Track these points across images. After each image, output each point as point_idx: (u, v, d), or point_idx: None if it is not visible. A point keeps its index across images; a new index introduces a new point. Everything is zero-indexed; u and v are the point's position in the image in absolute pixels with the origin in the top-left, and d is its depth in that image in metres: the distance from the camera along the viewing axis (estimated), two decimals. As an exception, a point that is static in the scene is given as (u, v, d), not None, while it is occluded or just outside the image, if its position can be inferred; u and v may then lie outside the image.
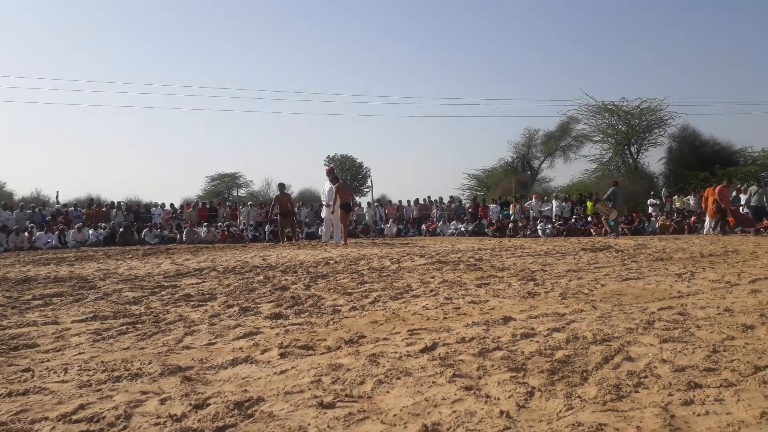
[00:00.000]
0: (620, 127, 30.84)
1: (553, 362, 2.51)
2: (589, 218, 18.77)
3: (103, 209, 21.62)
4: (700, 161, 26.94)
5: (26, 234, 17.61)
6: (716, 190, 14.72)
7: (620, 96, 35.26)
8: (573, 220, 18.83)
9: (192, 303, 4.45)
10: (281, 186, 15.39)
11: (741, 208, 15.74)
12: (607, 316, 3.56)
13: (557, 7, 56.91)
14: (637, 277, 5.51)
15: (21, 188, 35.57)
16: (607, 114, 30.78)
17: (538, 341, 2.91)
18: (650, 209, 19.84)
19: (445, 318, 3.62)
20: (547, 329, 3.18)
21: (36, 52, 56.84)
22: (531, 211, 20.21)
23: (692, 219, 17.11)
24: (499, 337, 3.01)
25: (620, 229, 16.39)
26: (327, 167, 14.66)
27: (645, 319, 3.41)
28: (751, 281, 4.99)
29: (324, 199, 14.56)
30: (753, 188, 15.74)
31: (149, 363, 2.65)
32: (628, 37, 54.66)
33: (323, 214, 15.15)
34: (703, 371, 2.35)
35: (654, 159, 38.16)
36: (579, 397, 2.07)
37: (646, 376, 2.31)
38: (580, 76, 54.91)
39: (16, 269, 8.13)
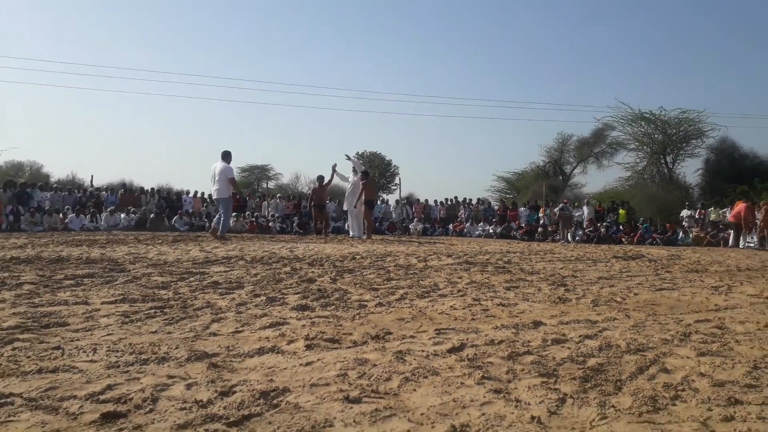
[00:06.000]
0: (656, 136, 30.27)
1: (585, 369, 2.43)
2: (621, 226, 18.46)
3: (135, 194, 22.01)
4: (739, 174, 26.25)
5: (60, 215, 18.04)
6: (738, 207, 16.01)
7: (657, 105, 34.67)
8: (604, 227, 18.51)
9: (219, 290, 4.47)
10: (320, 178, 15.36)
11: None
12: (641, 325, 3.46)
13: (595, 11, 55.99)
14: (671, 287, 5.36)
15: (57, 171, 36.34)
16: (643, 122, 30.24)
17: (569, 348, 2.83)
18: (684, 221, 19.41)
19: (473, 319, 3.56)
20: (579, 336, 3.10)
21: (72, 39, 58.10)
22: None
23: (728, 232, 16.67)
24: (529, 342, 2.94)
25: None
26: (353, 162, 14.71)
27: (681, 330, 3.30)
28: (792, 298, 4.81)
29: (348, 189, 14.64)
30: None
31: (176, 348, 2.65)
32: (669, 47, 53.48)
33: (345, 207, 15.24)
34: (744, 387, 2.25)
35: (690, 170, 37.50)
36: (613, 406, 2.00)
37: (683, 389, 2.22)
38: (616, 84, 53.94)
39: (50, 249, 8.30)
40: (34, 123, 51.59)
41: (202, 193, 23.07)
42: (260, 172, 40.65)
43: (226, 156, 12.01)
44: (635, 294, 4.85)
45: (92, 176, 28.08)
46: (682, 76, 52.29)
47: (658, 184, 28.57)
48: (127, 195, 21.62)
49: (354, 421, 1.81)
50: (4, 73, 51.65)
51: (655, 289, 5.24)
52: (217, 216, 12.43)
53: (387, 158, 39.31)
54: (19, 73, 55.34)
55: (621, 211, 20.12)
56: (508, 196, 33.74)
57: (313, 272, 5.83)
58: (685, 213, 20.17)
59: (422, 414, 1.88)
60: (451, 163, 59.56)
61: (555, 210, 18.54)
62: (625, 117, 30.49)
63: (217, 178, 11.83)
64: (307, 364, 2.45)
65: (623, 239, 17.27)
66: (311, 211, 15.91)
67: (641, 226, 17.92)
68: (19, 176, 28.50)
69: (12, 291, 4.18)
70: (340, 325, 3.27)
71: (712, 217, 19.12)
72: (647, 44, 55.50)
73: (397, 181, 36.91)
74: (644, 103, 51.85)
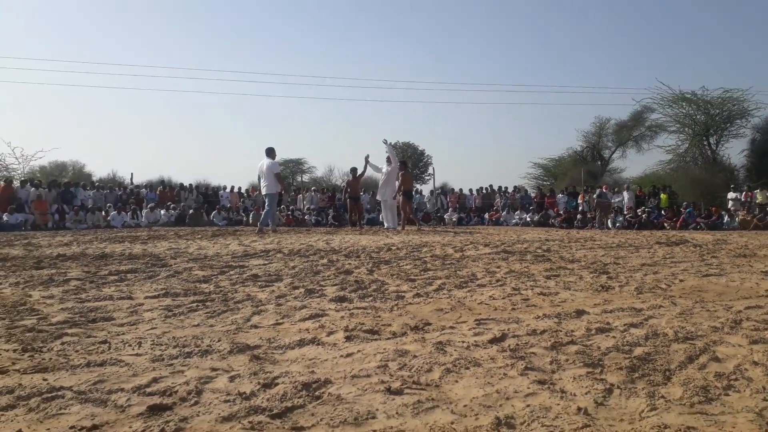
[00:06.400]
0: (699, 117, 29.28)
1: (632, 359, 2.37)
2: (663, 211, 17.99)
3: (174, 191, 22.45)
4: (787, 154, 25.26)
5: (103, 213, 18.54)
6: None
7: (698, 85, 33.57)
8: (646, 213, 18.05)
9: (259, 283, 4.52)
10: (354, 170, 15.40)
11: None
12: (688, 313, 3.35)
13: (633, -10, 54.47)
14: (718, 273, 5.19)
15: (98, 169, 37.27)
16: (684, 103, 29.29)
17: (614, 337, 2.77)
18: (730, 203, 18.77)
19: (513, 309, 3.50)
20: (624, 324, 3.02)
21: (111, 39, 59.41)
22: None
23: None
24: (572, 331, 2.88)
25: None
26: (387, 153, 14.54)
27: (731, 318, 3.19)
28: None
29: (382, 180, 14.52)
30: None
31: (219, 340, 2.69)
32: (709, 24, 51.71)
33: (378, 197, 15.17)
34: (802, 376, 2.16)
35: (735, 151, 36.31)
36: (663, 397, 1.94)
37: (736, 379, 2.14)
38: (655, 65, 52.47)
39: (94, 246, 8.53)
40: (75, 123, 53.00)
41: (239, 188, 23.38)
42: (294, 166, 40.92)
43: (270, 152, 12.49)
44: (681, 280, 4.71)
45: (132, 174, 28.71)
46: (724, 54, 50.49)
47: (701, 167, 27.69)
48: (166, 191, 22.06)
49: (396, 413, 1.79)
50: (45, 75, 53.27)
51: (702, 275, 5.09)
52: (265, 212, 12.81)
53: (420, 148, 39.10)
54: (60, 75, 57.03)
55: (663, 195, 19.60)
56: (545, 182, 33.19)
57: (349, 264, 5.85)
58: (730, 196, 19.53)
59: (465, 406, 1.86)
60: (485, 151, 58.91)
61: (593, 197, 18.16)
62: (665, 98, 29.60)
63: (265, 175, 12.26)
64: (348, 355, 2.45)
65: (666, 224, 16.82)
66: (346, 203, 15.95)
67: (684, 211, 17.41)
68: (63, 176, 29.32)
69: (60, 287, 4.31)
70: (379, 317, 3.27)
71: (759, 199, 18.44)
72: (686, 22, 53.80)
73: (430, 170, 36.70)
74: (685, 84, 50.27)
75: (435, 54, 63.65)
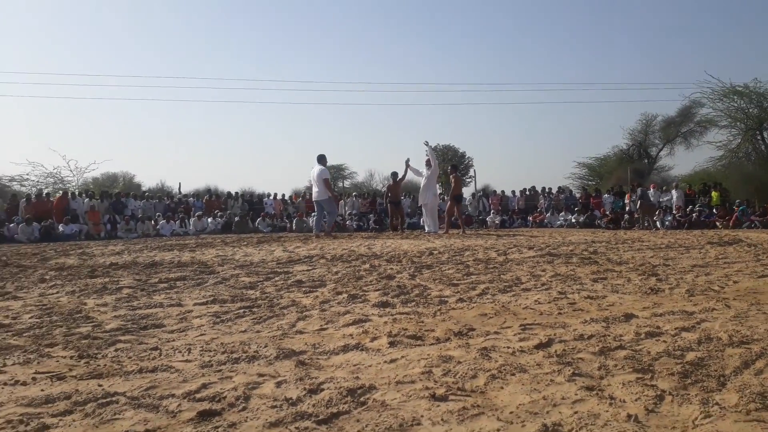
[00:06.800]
0: (751, 110, 28.11)
1: (684, 364, 2.30)
2: (714, 209, 17.37)
3: (221, 199, 22.97)
4: None
5: (152, 222, 19.11)
6: None
7: (750, 77, 32.27)
8: (696, 212, 17.46)
9: (303, 289, 4.57)
10: (394, 175, 15.49)
11: None
12: (743, 316, 3.23)
13: (678, -18, 52.91)
14: (775, 274, 4.99)
15: (147, 180, 38.31)
16: (735, 97, 28.16)
17: (665, 341, 2.69)
18: (787, 200, 17.99)
19: (559, 313, 3.45)
20: (675, 328, 2.94)
21: (158, 53, 61.24)
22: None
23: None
24: (621, 336, 2.81)
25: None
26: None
27: (790, 321, 3.06)
28: None
29: (422, 183, 14.50)
30: None
31: (265, 346, 2.73)
32: (759, 14, 49.72)
33: (419, 203, 15.15)
34: None
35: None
36: (717, 404, 1.88)
37: (797, 385, 2.05)
38: (702, 58, 50.79)
39: (144, 254, 8.80)
40: (125, 135, 54.78)
41: (283, 195, 23.73)
42: (335, 172, 41.31)
43: (321, 159, 12.96)
44: (735, 282, 4.55)
45: (180, 184, 29.46)
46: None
47: (755, 163, 26.60)
48: (212, 200, 22.59)
49: (442, 419, 1.79)
50: (97, 90, 55.41)
51: (757, 276, 4.89)
52: (327, 218, 13.14)
53: (461, 150, 38.89)
54: (111, 90, 58.97)
55: (714, 193, 18.94)
56: (590, 182, 32.50)
57: (391, 269, 5.86)
58: (787, 193, 18.73)
59: (511, 413, 1.84)
60: (528, 151, 58.15)
61: (636, 197, 17.65)
62: (715, 92, 28.51)
63: (315, 182, 12.70)
64: (392, 361, 2.45)
65: (717, 223, 16.25)
66: (387, 207, 16.01)
67: (737, 209, 16.77)
68: (114, 187, 30.33)
69: (113, 295, 4.47)
70: (422, 322, 3.26)
71: (819, 195, 17.64)
72: (735, 12, 51.91)
73: (471, 173, 36.44)
74: (736, 76, 48.41)
75: (475, 54, 63.27)
